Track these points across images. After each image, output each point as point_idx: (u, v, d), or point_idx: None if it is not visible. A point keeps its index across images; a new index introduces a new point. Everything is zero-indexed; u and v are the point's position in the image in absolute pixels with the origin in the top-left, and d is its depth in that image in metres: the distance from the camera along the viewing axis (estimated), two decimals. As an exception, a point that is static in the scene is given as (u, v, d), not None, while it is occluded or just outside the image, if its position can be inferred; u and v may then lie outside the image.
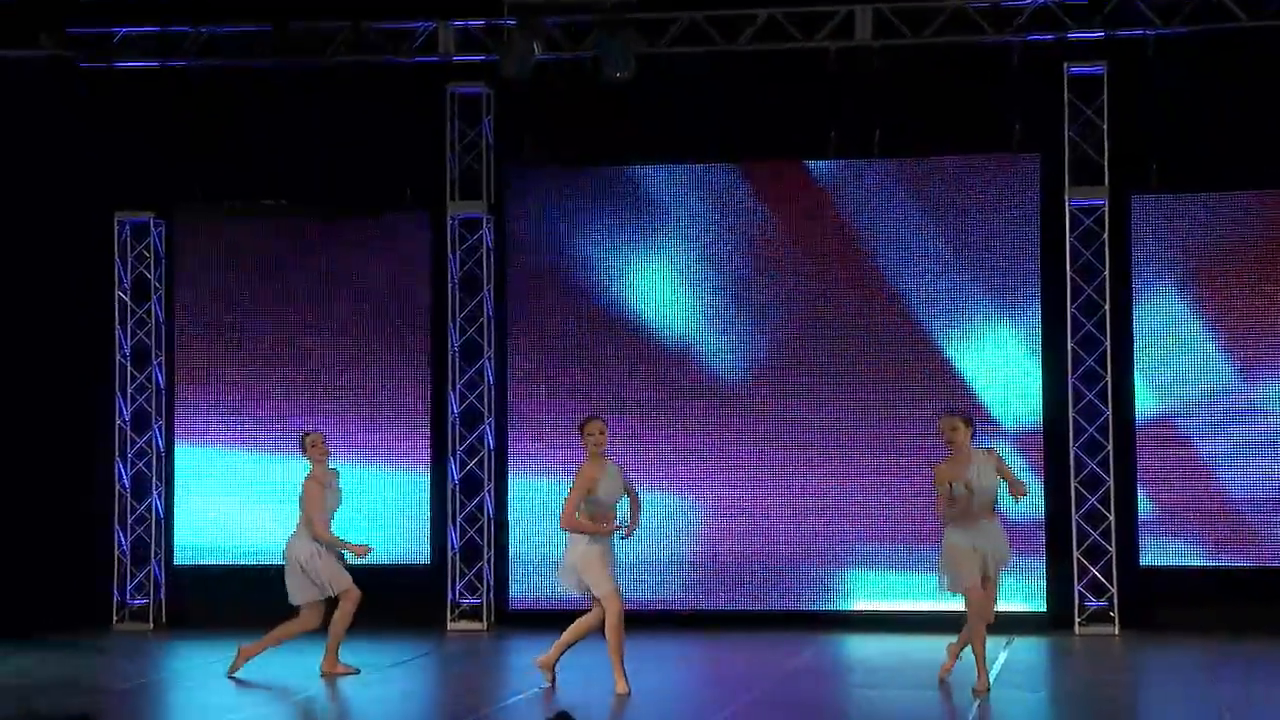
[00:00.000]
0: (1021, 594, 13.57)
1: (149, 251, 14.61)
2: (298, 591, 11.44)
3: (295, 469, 13.81)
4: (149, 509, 14.52)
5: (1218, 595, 13.50)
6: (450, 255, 14.36)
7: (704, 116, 14.16)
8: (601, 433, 10.76)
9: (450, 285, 14.36)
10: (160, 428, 14.59)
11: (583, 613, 10.86)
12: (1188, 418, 13.62)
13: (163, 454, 14.57)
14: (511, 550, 14.25)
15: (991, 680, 10.80)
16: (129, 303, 14.55)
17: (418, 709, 11.23)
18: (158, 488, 14.52)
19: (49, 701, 10.27)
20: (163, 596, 14.51)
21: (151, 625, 14.33)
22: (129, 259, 14.58)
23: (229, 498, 14.39)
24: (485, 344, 14.34)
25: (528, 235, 14.40)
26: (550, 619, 13.64)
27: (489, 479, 14.21)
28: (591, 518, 10.72)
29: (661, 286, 14.21)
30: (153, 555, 14.48)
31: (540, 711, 10.07)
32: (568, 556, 10.81)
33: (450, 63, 14.20)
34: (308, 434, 11.82)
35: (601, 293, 14.28)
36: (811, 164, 14.14)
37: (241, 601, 13.89)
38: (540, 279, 14.34)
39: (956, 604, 10.92)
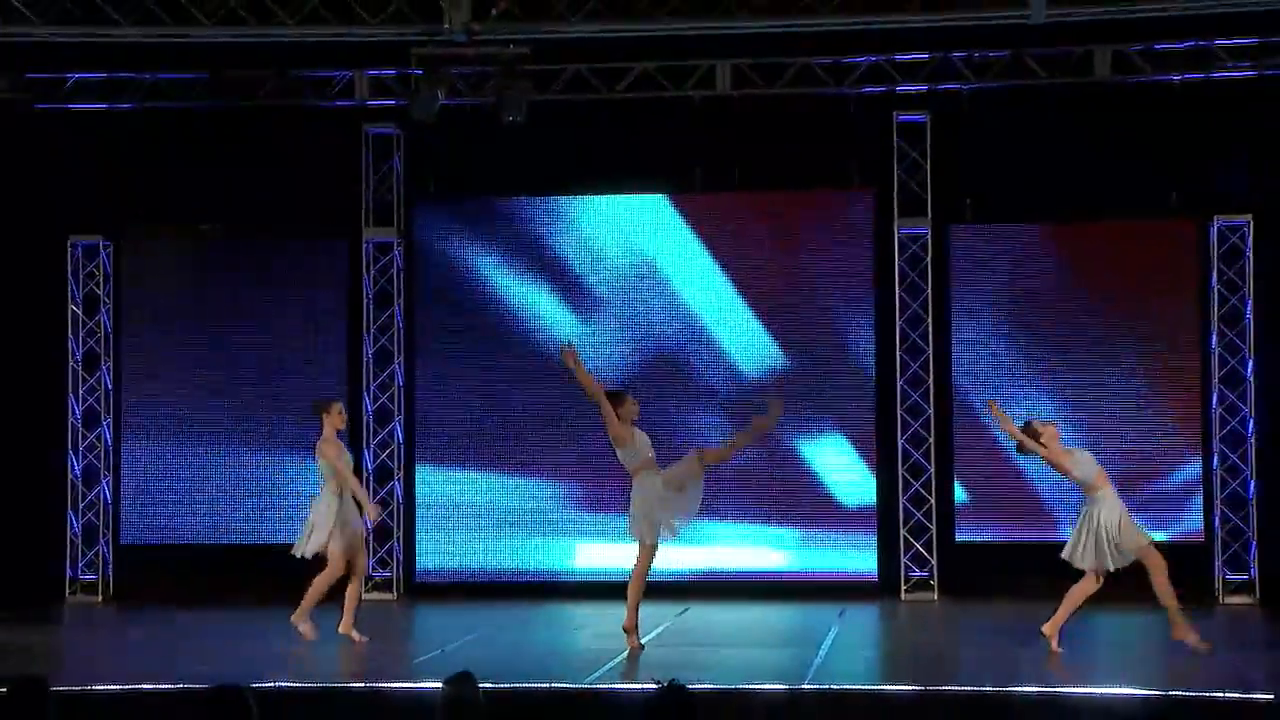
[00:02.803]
0: (856, 565, 14.15)
1: (98, 270, 14.73)
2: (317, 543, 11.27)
3: (231, 458, 14.53)
4: (98, 495, 14.65)
5: (1020, 566, 13.68)
6: (365, 274, 14.59)
7: (586, 155, 14.32)
8: (635, 404, 10.86)
9: (365, 300, 14.58)
10: (108, 424, 14.71)
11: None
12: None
13: (110, 447, 14.70)
14: (418, 529, 14.55)
15: (829, 643, 11.29)
16: (80, 315, 14.72)
17: (341, 663, 11.21)
18: (105, 477, 14.66)
19: (3, 666, 10.26)
20: (110, 573, 14.66)
21: (100, 599, 14.51)
22: (80, 276, 14.72)
23: (170, 485, 14.65)
24: (396, 351, 14.61)
25: (433, 257, 14.66)
26: (451, 590, 14.42)
27: (399, 468, 14.51)
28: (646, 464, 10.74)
29: (547, 303, 14.56)
30: (101, 536, 14.60)
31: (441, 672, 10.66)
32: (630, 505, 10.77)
33: (365, 106, 14.31)
34: (332, 401, 11.68)
35: (496, 307, 14.56)
36: (679, 197, 14.51)
37: (181, 576, 14.35)
38: (443, 295, 14.61)
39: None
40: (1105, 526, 10.79)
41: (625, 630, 10.93)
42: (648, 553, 10.90)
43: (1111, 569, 10.79)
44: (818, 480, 14.38)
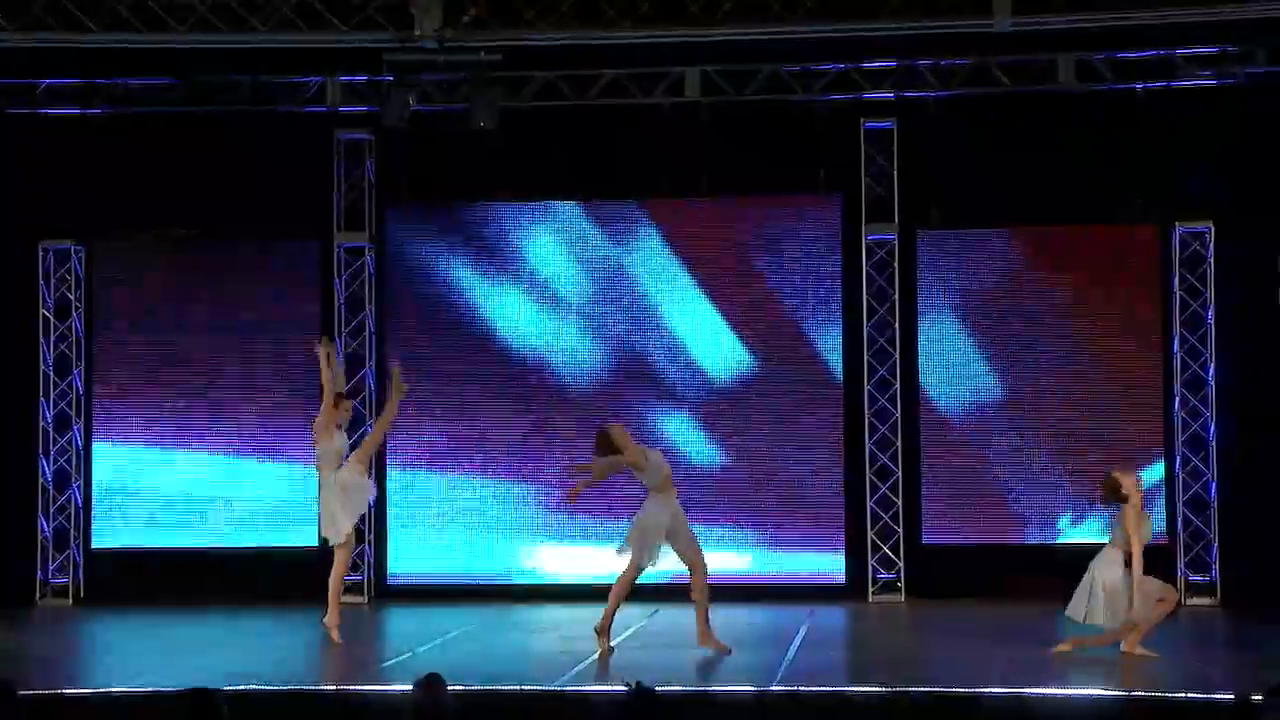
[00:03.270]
0: (824, 567, 14.19)
1: (70, 275, 14.68)
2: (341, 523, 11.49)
3: (202, 462, 14.52)
4: (69, 499, 14.60)
5: (987, 568, 13.97)
6: (336, 279, 14.61)
7: (557, 161, 14.36)
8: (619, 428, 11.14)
9: (337, 304, 14.58)
10: (79, 428, 14.65)
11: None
12: (962, 420, 14.16)
13: (81, 451, 14.65)
14: (390, 533, 14.55)
15: (797, 645, 11.37)
16: (52, 319, 14.66)
17: (312, 667, 11.38)
18: (76, 480, 14.61)
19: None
20: (81, 576, 14.59)
21: (71, 602, 14.46)
22: (52, 281, 14.66)
23: (141, 489, 14.58)
24: (367, 355, 14.62)
25: (404, 262, 14.66)
26: (423, 594, 14.43)
27: (371, 472, 14.33)
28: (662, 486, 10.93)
29: (517, 307, 14.58)
30: (72, 540, 14.55)
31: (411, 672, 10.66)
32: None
33: (337, 112, 14.27)
34: (342, 398, 11.80)
35: (467, 311, 14.57)
36: (649, 201, 14.53)
37: (152, 580, 14.31)
38: (415, 299, 14.62)
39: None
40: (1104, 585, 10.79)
41: (596, 631, 10.98)
42: (637, 567, 11.01)
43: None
44: (785, 483, 14.39)
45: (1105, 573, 10.78)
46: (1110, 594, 10.70)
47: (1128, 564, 10.77)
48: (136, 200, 14.62)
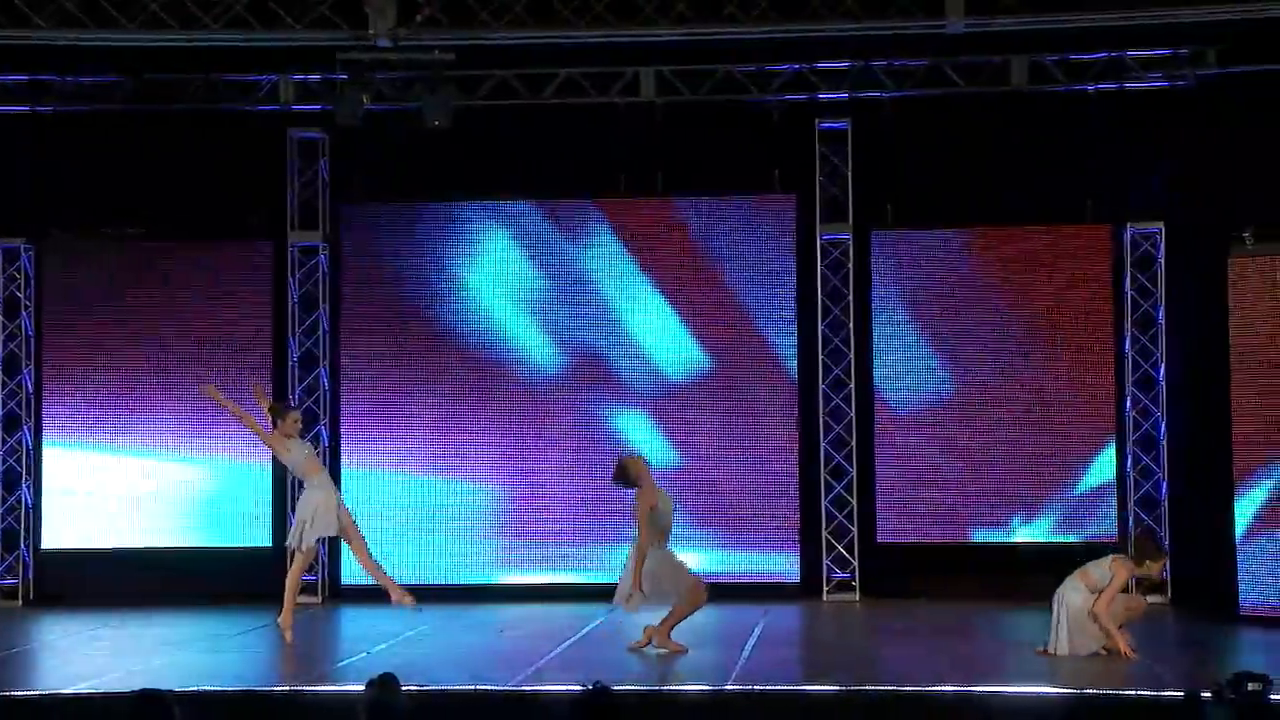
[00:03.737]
0: (778, 566, 14.23)
1: (19, 273, 14.54)
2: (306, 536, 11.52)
3: (154, 462, 14.39)
4: (19, 499, 14.50)
5: (941, 567, 14.03)
6: (290, 278, 14.53)
7: (512, 160, 14.33)
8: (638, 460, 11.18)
9: (290, 304, 14.50)
10: (29, 428, 14.52)
11: None
12: (917, 419, 14.19)
13: (31, 451, 14.54)
14: None
15: (752, 644, 11.39)
16: (1, 318, 14.54)
17: (265, 667, 11.42)
18: (26, 480, 14.50)
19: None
20: (31, 577, 14.49)
21: (20, 603, 14.34)
22: (1, 280, 14.54)
23: (92, 489, 14.48)
24: (321, 355, 14.58)
25: (358, 261, 14.62)
26: (376, 594, 14.24)
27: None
28: (664, 534, 11.02)
29: (472, 305, 14.55)
30: (22, 541, 14.44)
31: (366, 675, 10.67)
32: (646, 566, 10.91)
33: (290, 110, 14.24)
34: (288, 410, 11.85)
35: (421, 310, 14.53)
36: (603, 200, 14.50)
37: (103, 581, 14.22)
38: (369, 298, 14.56)
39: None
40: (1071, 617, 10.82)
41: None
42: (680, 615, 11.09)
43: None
44: (740, 482, 14.42)
45: (1071, 599, 10.82)
46: (1075, 621, 10.73)
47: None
48: (88, 199, 14.53)
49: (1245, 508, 12.73)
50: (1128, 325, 14.25)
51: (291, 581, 11.70)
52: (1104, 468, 14.20)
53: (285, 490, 14.39)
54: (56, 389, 14.69)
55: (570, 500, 14.46)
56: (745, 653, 11.14)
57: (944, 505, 14.25)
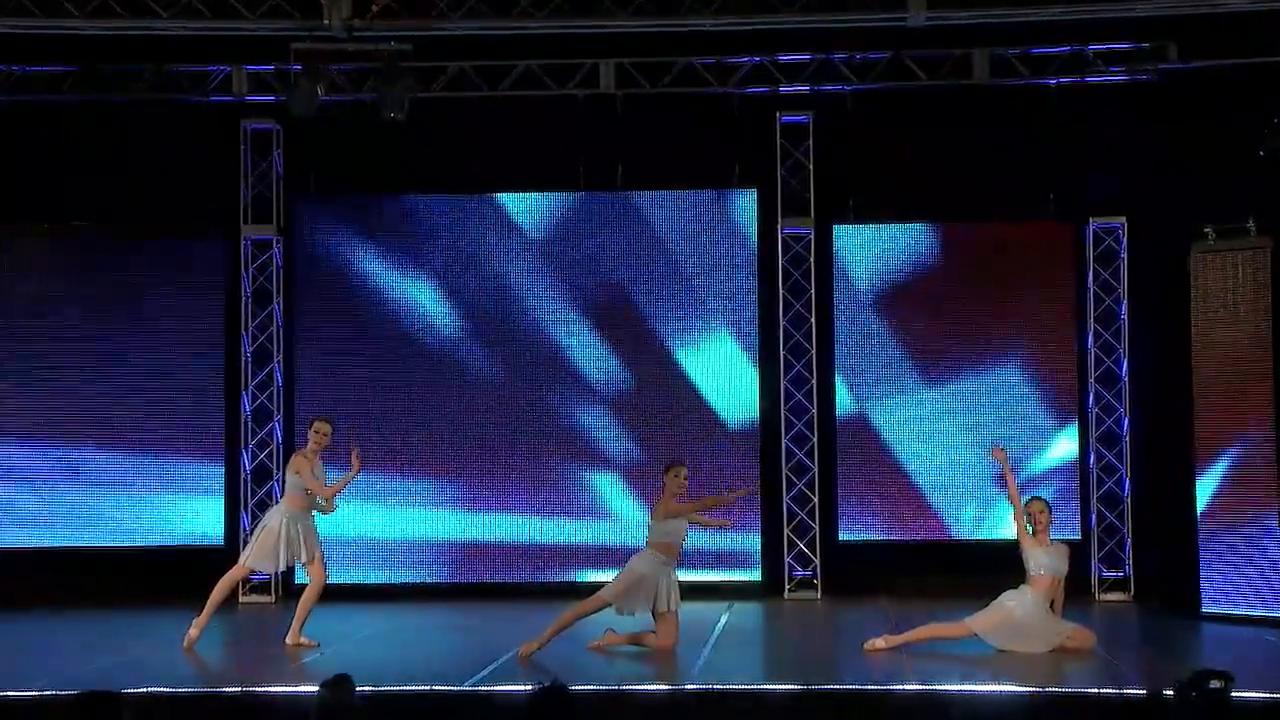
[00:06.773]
0: (740, 565, 14.27)
1: None
2: (265, 558, 11.36)
3: (103, 459, 14.28)
4: None
5: (900, 564, 14.14)
6: (244, 272, 14.50)
7: (469, 153, 14.38)
8: (685, 478, 11.19)
9: (244, 298, 14.48)
10: None
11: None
12: (878, 415, 14.25)
13: None
14: None
15: (712, 643, 11.41)
16: None
17: (217, 668, 11.25)
18: None
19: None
20: None
21: None
22: None
23: (39, 486, 14.38)
24: (275, 350, 14.53)
25: (312, 255, 14.56)
26: (332, 594, 14.19)
27: (278, 469, 14.28)
28: (668, 547, 11.09)
29: (427, 300, 14.52)
30: None
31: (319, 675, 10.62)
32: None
33: (244, 102, 14.22)
34: (314, 419, 11.71)
35: (376, 305, 14.51)
36: (563, 194, 14.49)
37: (50, 580, 14.13)
38: (323, 293, 14.53)
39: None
40: (1021, 621, 10.86)
41: (524, 651, 10.79)
42: (600, 604, 10.99)
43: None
44: (700, 479, 14.36)
45: (1017, 600, 10.92)
46: (1022, 621, 10.84)
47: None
48: (36, 191, 14.50)
49: (1204, 488, 12.70)
50: (1090, 321, 14.33)
51: (225, 586, 11.45)
52: (1067, 464, 14.23)
53: (239, 489, 14.38)
54: (5, 384, 14.55)
55: (531, 497, 14.45)
56: (705, 651, 11.14)
57: (906, 503, 14.33)
